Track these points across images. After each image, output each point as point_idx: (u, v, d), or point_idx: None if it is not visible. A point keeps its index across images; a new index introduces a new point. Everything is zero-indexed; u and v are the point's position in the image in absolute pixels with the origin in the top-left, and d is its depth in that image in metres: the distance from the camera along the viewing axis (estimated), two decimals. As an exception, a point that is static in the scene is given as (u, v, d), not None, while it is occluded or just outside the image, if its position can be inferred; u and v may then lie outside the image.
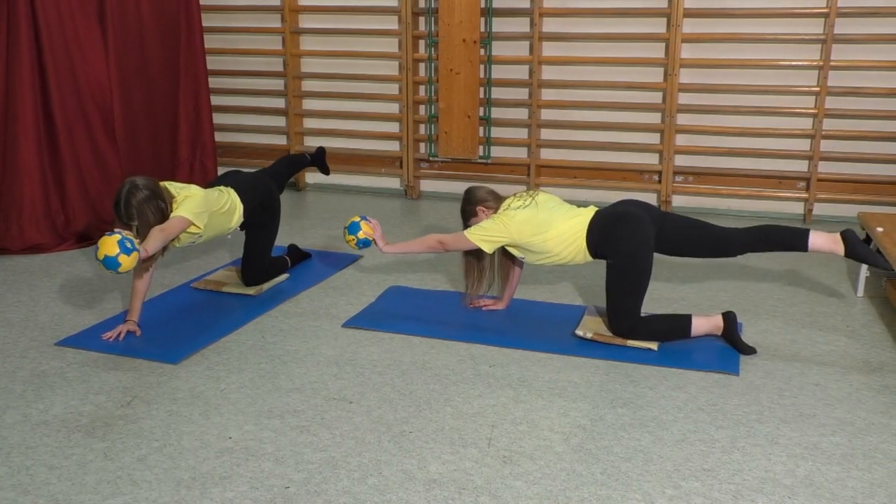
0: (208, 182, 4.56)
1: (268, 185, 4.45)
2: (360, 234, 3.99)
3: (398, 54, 6.72)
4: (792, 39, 5.89)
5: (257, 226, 4.37)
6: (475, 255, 3.97)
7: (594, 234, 3.71)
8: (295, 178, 7.17)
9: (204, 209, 3.85)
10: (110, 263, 3.35)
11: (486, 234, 3.78)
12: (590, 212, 3.80)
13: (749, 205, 6.27)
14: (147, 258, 3.67)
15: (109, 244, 3.35)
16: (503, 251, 3.96)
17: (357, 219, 4.03)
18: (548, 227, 3.73)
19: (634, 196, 5.93)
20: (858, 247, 3.57)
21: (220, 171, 6.49)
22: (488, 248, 3.82)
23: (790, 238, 3.66)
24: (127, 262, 3.36)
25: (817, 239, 3.59)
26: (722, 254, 3.77)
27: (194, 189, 3.90)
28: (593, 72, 6.34)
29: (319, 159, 5.24)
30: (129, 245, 3.37)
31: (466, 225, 3.97)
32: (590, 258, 3.78)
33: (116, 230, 3.46)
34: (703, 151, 6.27)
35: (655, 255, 3.69)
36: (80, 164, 5.42)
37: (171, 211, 3.75)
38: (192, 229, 3.82)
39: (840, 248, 3.58)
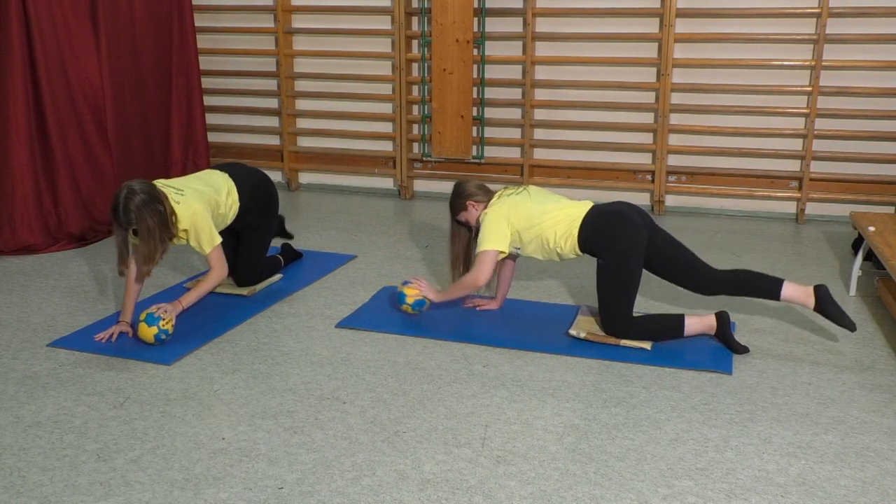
0: (213, 165, 4.57)
1: (269, 187, 4.42)
2: (409, 300, 3.96)
3: (391, 54, 6.71)
4: (784, 39, 5.90)
5: (252, 227, 4.36)
6: (463, 253, 4.00)
7: (587, 227, 3.71)
8: (288, 179, 7.16)
9: (211, 217, 3.91)
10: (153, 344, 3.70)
11: (493, 235, 3.79)
12: (586, 205, 3.82)
13: (742, 204, 6.28)
14: (148, 265, 3.72)
15: (147, 335, 3.67)
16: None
17: (400, 289, 4.00)
18: (542, 213, 3.77)
19: (628, 196, 5.99)
20: (829, 305, 3.61)
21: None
22: (504, 247, 3.82)
23: (765, 285, 3.70)
24: (166, 340, 3.71)
25: (790, 290, 3.65)
26: (697, 287, 3.78)
27: (194, 201, 3.85)
28: (586, 72, 6.35)
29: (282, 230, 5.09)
30: (163, 337, 3.69)
31: (454, 219, 4.00)
32: (578, 252, 3.78)
33: (156, 315, 3.67)
34: (696, 151, 6.28)
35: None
36: (73, 164, 5.41)
37: (170, 214, 3.73)
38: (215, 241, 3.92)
39: (811, 302, 3.63)
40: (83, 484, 2.67)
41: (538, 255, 3.88)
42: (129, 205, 3.59)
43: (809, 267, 4.96)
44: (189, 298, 3.84)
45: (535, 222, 3.76)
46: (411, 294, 3.97)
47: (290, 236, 5.09)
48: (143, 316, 3.68)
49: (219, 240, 3.93)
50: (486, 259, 3.81)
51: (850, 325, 3.60)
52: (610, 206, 3.84)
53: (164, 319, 3.67)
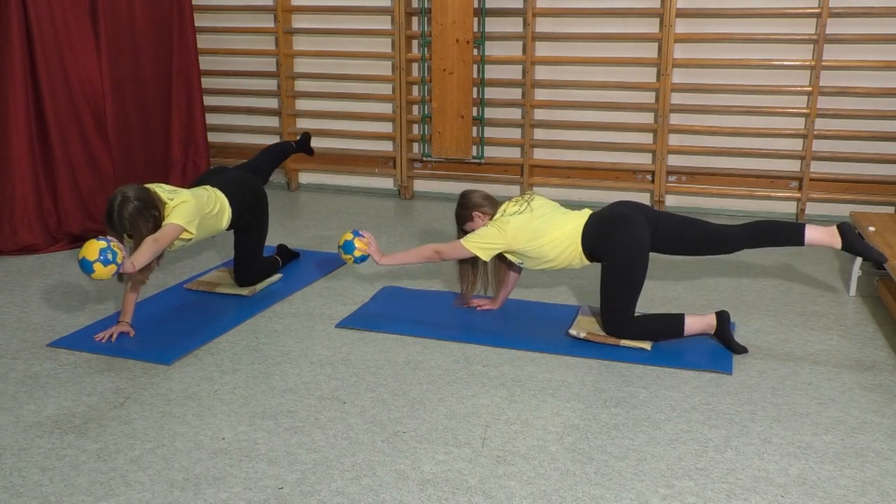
0: (192, 181, 4.54)
1: (255, 186, 4.42)
2: (357, 252, 3.92)
3: (391, 54, 6.71)
4: (784, 39, 5.90)
5: (247, 228, 4.35)
6: (470, 260, 3.97)
7: (589, 237, 3.71)
8: (287, 179, 7.16)
9: (195, 216, 3.84)
10: (85, 266, 3.40)
11: (482, 242, 3.78)
12: (584, 215, 3.80)
13: (742, 204, 6.28)
14: (144, 273, 3.67)
15: (92, 248, 3.40)
16: (500, 257, 3.95)
17: (350, 237, 3.94)
18: (543, 234, 3.73)
19: (628, 196, 5.99)
20: (855, 240, 3.58)
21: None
22: (486, 256, 3.81)
23: (786, 233, 3.67)
24: (101, 271, 3.41)
25: (813, 233, 3.61)
26: (717, 251, 3.78)
27: (186, 195, 3.87)
28: (586, 72, 6.35)
29: (305, 144, 5.23)
30: (109, 257, 3.41)
31: (461, 229, 3.98)
32: (587, 262, 3.78)
33: (109, 238, 3.48)
34: (696, 151, 6.28)
35: (650, 254, 3.70)
36: (73, 164, 5.40)
37: (164, 217, 3.73)
38: (185, 235, 3.82)
39: (837, 241, 3.59)
40: (83, 484, 2.67)
41: (542, 269, 3.87)
42: (123, 212, 3.58)
43: (809, 267, 4.96)
44: (141, 256, 3.58)
45: (537, 244, 3.73)
46: (360, 249, 3.91)
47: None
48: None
49: (187, 228, 3.76)
50: (459, 250, 3.82)
51: (879, 257, 3.60)
52: (608, 210, 3.83)
53: (114, 242, 3.45)
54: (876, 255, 3.61)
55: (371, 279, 4.72)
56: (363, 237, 3.94)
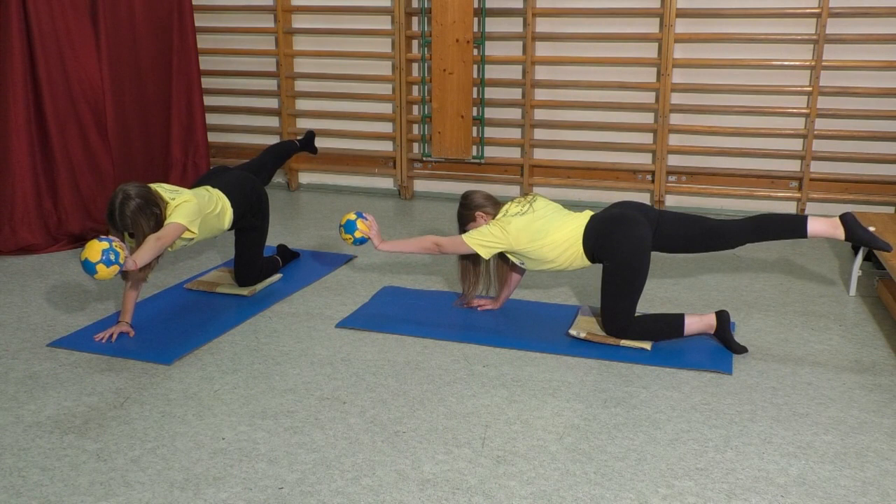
0: (193, 182, 4.55)
1: (256, 187, 4.41)
2: (357, 234, 3.95)
3: (391, 54, 6.72)
4: (784, 39, 5.91)
5: (248, 228, 4.36)
6: (472, 259, 3.97)
7: (590, 239, 3.71)
8: (287, 179, 7.16)
9: (197, 215, 3.85)
10: (88, 267, 3.40)
11: (483, 240, 3.78)
12: (585, 217, 3.80)
13: (742, 204, 6.28)
14: (145, 270, 3.67)
15: (94, 249, 3.39)
16: (501, 257, 3.96)
17: (353, 216, 3.97)
18: (544, 235, 3.73)
19: (628, 196, 5.99)
20: (858, 230, 3.57)
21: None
22: (486, 254, 3.81)
23: (789, 226, 3.66)
24: (104, 272, 3.39)
25: (816, 225, 3.60)
26: (721, 247, 3.77)
27: (188, 194, 3.88)
28: (586, 72, 6.35)
29: (308, 142, 5.24)
30: (112, 258, 3.39)
31: (462, 229, 3.97)
32: (588, 263, 3.78)
33: (110, 238, 3.47)
34: (696, 151, 6.28)
35: (650, 253, 3.70)
36: (73, 164, 5.41)
37: (166, 216, 3.73)
38: (187, 234, 3.82)
39: (840, 232, 3.57)
40: (83, 484, 2.67)
41: (544, 270, 3.87)
42: (124, 210, 3.58)
43: (809, 266, 4.96)
44: (144, 254, 3.57)
45: (538, 245, 3.72)
46: (361, 230, 3.93)
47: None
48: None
49: (189, 227, 3.77)
50: (460, 245, 3.80)
51: (884, 246, 3.59)
52: (608, 210, 3.83)
53: (115, 242, 3.43)
54: (881, 244, 3.59)
55: (371, 279, 4.72)
56: (366, 219, 3.95)
